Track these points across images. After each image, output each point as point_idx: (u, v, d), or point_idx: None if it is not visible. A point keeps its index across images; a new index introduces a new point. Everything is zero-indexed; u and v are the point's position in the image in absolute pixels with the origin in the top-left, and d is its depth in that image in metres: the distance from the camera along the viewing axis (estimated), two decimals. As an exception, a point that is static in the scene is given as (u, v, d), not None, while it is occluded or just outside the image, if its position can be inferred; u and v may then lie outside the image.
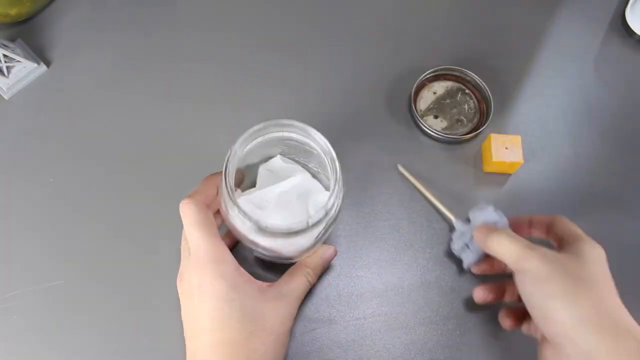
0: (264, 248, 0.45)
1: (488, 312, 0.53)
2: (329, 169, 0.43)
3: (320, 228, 0.42)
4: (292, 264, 0.52)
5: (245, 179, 0.51)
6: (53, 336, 0.51)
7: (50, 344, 0.51)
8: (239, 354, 0.40)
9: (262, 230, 0.40)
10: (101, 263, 0.54)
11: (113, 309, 0.53)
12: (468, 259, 0.52)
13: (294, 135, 0.44)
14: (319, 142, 0.43)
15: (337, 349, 0.51)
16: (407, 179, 0.59)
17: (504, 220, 0.51)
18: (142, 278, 0.54)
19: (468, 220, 0.53)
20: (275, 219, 0.45)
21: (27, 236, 0.56)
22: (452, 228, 0.55)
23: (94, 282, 0.54)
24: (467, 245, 0.52)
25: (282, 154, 0.51)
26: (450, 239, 0.55)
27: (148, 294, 0.53)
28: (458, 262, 0.55)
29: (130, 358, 0.51)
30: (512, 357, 0.52)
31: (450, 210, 0.56)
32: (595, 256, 0.43)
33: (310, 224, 0.40)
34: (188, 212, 0.43)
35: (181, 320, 0.47)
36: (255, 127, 0.42)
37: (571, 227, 0.47)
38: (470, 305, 0.54)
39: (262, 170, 0.51)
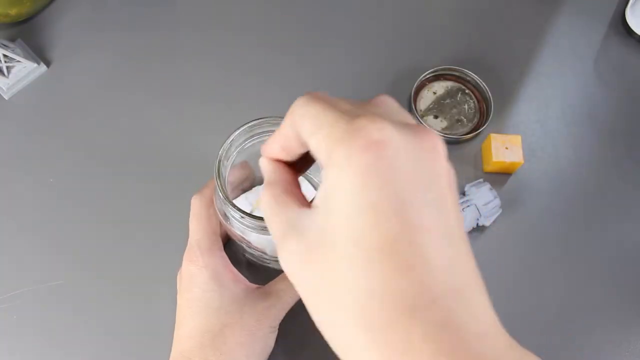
0: (249, 244, 0.45)
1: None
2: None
3: None
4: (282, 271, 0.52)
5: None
6: (53, 336, 0.51)
7: (51, 343, 0.51)
8: (210, 344, 0.41)
9: (243, 218, 0.40)
10: (101, 263, 0.54)
11: (113, 308, 0.53)
12: None
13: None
14: None
15: (337, 349, 0.51)
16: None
17: (497, 201, 0.54)
18: (143, 277, 0.54)
19: (463, 194, 0.56)
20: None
21: (27, 236, 0.56)
22: None
23: (94, 282, 0.54)
24: None
25: None
26: None
27: (148, 294, 0.53)
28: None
29: (131, 358, 0.51)
30: (512, 357, 0.52)
31: None
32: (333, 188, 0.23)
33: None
34: (192, 205, 0.45)
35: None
36: (251, 122, 0.42)
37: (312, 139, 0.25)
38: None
39: None
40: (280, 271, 0.54)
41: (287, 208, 0.26)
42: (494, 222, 0.56)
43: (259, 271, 0.55)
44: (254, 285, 0.46)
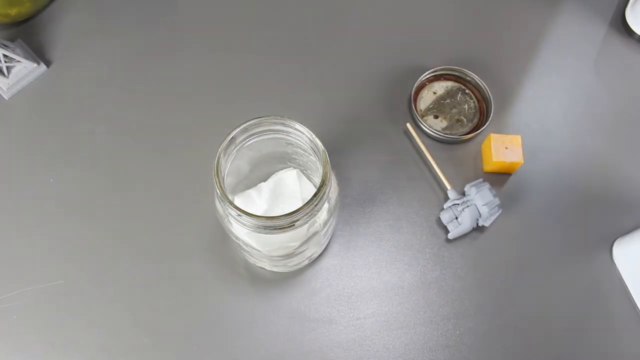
0: (245, 242, 0.46)
1: (488, 312, 0.53)
2: (317, 162, 0.43)
3: (301, 222, 0.41)
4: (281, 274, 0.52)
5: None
6: (53, 336, 0.51)
7: (50, 343, 0.51)
8: None
9: (241, 218, 0.40)
10: (101, 263, 0.54)
11: (113, 308, 0.53)
12: (454, 230, 0.55)
13: (282, 128, 0.44)
14: (305, 134, 0.42)
15: (337, 348, 0.51)
16: (413, 140, 0.60)
17: (497, 201, 0.54)
18: (142, 278, 0.54)
19: (463, 194, 0.56)
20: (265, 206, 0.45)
21: (27, 236, 0.56)
22: (446, 197, 0.57)
23: (94, 282, 0.54)
24: (456, 218, 0.55)
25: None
26: (442, 208, 0.57)
27: (148, 294, 0.53)
28: (457, 262, 0.55)
29: (130, 358, 0.51)
30: (512, 357, 0.52)
31: (447, 179, 0.57)
32: None
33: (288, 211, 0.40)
34: None
35: (180, 320, 0.47)
36: (250, 121, 0.43)
37: None
38: (470, 305, 0.54)
39: (273, 176, 0.52)
40: (276, 272, 0.54)
41: None
42: (494, 222, 0.56)
43: (256, 271, 0.55)
44: None
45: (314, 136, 0.41)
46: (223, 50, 0.66)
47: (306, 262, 0.53)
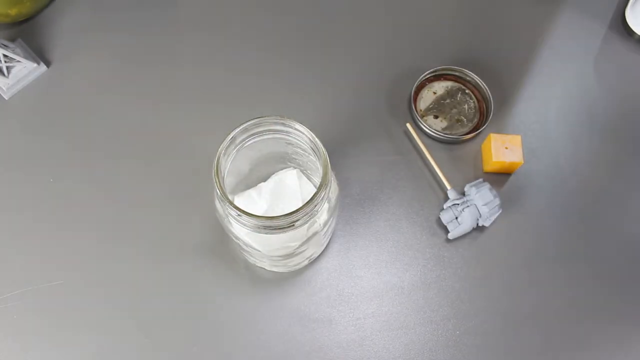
0: (246, 242, 0.46)
1: (488, 312, 0.53)
2: (317, 163, 0.43)
3: (300, 222, 0.41)
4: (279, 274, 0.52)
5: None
6: (53, 336, 0.52)
7: (50, 343, 0.51)
8: None
9: (241, 218, 0.40)
10: (101, 263, 0.54)
11: (113, 308, 0.53)
12: (454, 230, 0.55)
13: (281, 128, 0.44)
14: (306, 135, 0.42)
15: (337, 349, 0.51)
16: (413, 140, 0.60)
17: (497, 201, 0.54)
18: (142, 278, 0.54)
19: (463, 194, 0.56)
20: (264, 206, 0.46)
21: (27, 236, 0.56)
22: (446, 197, 0.57)
23: (94, 282, 0.54)
24: (456, 218, 0.55)
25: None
26: (442, 208, 0.57)
27: (148, 294, 0.53)
28: (457, 262, 0.55)
29: (130, 358, 0.51)
30: (512, 357, 0.52)
31: (447, 179, 0.57)
32: None
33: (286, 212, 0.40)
34: None
35: (180, 320, 0.47)
36: (250, 121, 0.42)
37: None
38: (470, 305, 0.54)
39: (274, 176, 0.52)
40: (276, 272, 0.54)
41: None
42: (494, 222, 0.56)
43: (256, 271, 0.55)
44: None
45: (314, 136, 0.41)
46: (223, 50, 0.66)
47: (306, 262, 0.53)
